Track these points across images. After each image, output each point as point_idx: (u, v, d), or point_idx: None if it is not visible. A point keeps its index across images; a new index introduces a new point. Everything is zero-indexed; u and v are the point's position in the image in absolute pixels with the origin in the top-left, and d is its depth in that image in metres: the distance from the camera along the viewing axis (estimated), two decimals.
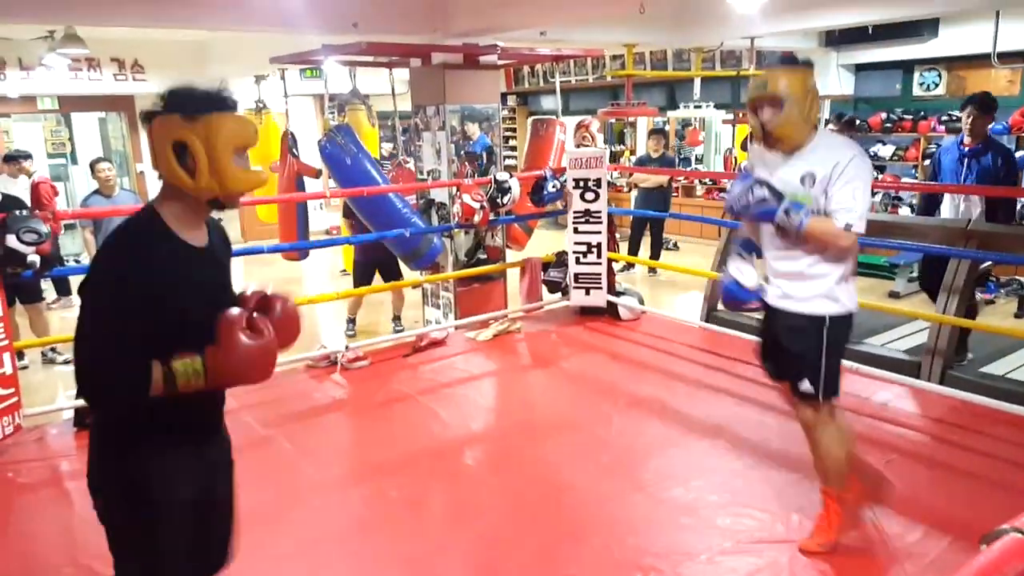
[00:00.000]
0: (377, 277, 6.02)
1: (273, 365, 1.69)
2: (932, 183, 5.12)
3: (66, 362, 5.72)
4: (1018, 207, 6.31)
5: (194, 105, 1.63)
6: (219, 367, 1.57)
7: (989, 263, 4.60)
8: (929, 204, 5.11)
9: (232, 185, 1.64)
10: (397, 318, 6.27)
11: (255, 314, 1.63)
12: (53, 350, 5.73)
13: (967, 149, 4.63)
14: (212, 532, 1.83)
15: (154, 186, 9.08)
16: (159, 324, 1.55)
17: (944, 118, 8.25)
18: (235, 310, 1.60)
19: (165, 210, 1.64)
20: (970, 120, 4.57)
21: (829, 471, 2.66)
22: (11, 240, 3.56)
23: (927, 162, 7.40)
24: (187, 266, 1.62)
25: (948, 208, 4.82)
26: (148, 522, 1.66)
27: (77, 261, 9.27)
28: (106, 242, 1.61)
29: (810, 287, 2.50)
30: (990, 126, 4.71)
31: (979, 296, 6.55)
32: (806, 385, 2.58)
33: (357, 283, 5.97)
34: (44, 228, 3.68)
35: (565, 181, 5.50)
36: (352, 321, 6.15)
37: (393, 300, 6.28)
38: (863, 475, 2.74)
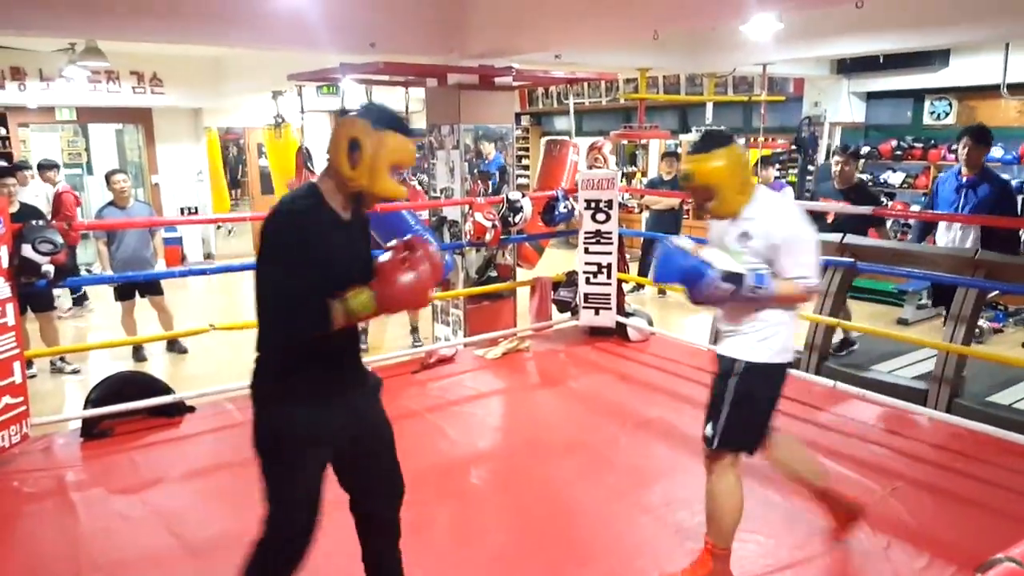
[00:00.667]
0: None
1: (427, 294, 2.00)
2: (932, 211, 5.16)
3: (74, 371, 5.76)
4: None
5: (383, 120, 1.96)
6: (385, 296, 1.90)
7: (996, 292, 4.60)
8: (923, 231, 5.17)
9: (379, 187, 1.96)
10: (415, 330, 6.28)
11: (406, 254, 1.95)
12: (62, 359, 5.77)
13: (964, 179, 4.67)
14: (363, 471, 2.20)
15: (168, 198, 9.32)
16: (316, 273, 1.88)
17: (954, 147, 8.25)
18: (388, 254, 1.96)
19: (323, 186, 1.99)
20: (965, 151, 4.63)
21: (712, 522, 2.60)
22: (26, 250, 3.61)
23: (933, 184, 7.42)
24: (332, 229, 1.95)
25: (943, 236, 4.84)
26: (280, 463, 2.03)
27: (89, 271, 9.36)
28: (276, 209, 1.94)
29: (742, 330, 2.49)
30: (985, 157, 4.75)
31: (986, 325, 6.54)
32: (708, 428, 2.56)
33: None
34: (59, 239, 3.74)
35: (576, 201, 5.54)
36: (364, 332, 6.15)
37: (409, 312, 6.29)
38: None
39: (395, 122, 1.97)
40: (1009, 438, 3.72)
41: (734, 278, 2.30)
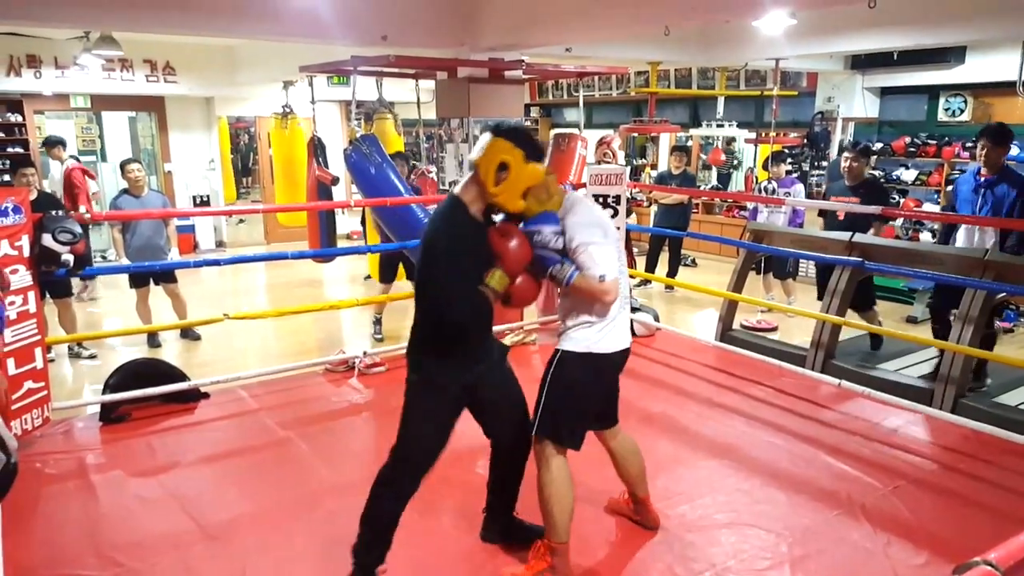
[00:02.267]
0: (400, 272, 6.12)
1: (528, 250, 2.47)
2: (948, 213, 5.14)
3: (91, 356, 5.86)
4: None
5: (535, 153, 2.44)
6: (508, 264, 2.43)
7: (1004, 294, 4.60)
8: (948, 233, 5.14)
9: (510, 206, 2.45)
10: (377, 321, 6.32)
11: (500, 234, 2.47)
12: (79, 345, 5.86)
13: (983, 179, 4.65)
14: (492, 414, 2.73)
15: (180, 186, 9.39)
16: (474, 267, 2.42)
17: (969, 144, 8.23)
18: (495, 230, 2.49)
19: (465, 196, 2.47)
20: (984, 152, 4.60)
21: (543, 515, 2.63)
22: (47, 239, 3.69)
23: (949, 188, 7.39)
24: (472, 231, 2.46)
25: (963, 237, 4.83)
26: (422, 403, 2.56)
27: (104, 258, 9.47)
28: (433, 218, 2.53)
29: (565, 324, 2.61)
30: (1005, 156, 4.71)
31: (998, 325, 6.53)
32: (534, 416, 2.63)
33: (382, 276, 6.12)
34: (78, 228, 3.81)
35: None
36: (378, 321, 6.21)
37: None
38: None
39: (541, 156, 2.45)
40: (1013, 439, 3.76)
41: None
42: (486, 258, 2.44)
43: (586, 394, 2.65)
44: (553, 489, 2.58)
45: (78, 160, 8.44)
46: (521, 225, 2.51)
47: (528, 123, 12.82)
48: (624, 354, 2.68)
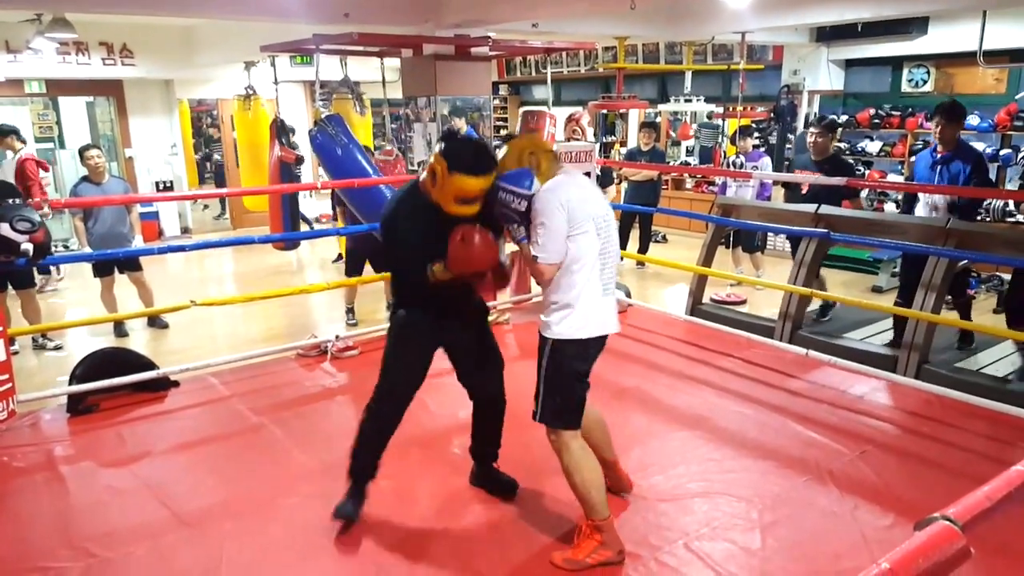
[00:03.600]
0: (368, 268, 6.05)
1: (484, 258, 2.64)
2: (909, 183, 5.24)
3: (56, 348, 5.76)
4: (995, 205, 6.44)
5: (455, 163, 2.57)
6: (450, 261, 2.60)
7: (966, 260, 4.70)
8: (909, 205, 5.27)
9: (447, 208, 2.65)
10: (350, 310, 6.28)
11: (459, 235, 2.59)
12: (44, 336, 5.75)
13: (939, 156, 4.75)
14: (464, 363, 3.04)
15: (142, 172, 9.21)
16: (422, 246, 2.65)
17: (931, 115, 8.35)
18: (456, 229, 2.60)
19: (424, 183, 2.70)
20: (939, 129, 4.69)
21: (579, 500, 2.68)
22: (4, 228, 3.60)
23: (913, 159, 7.50)
24: (425, 213, 2.67)
25: (922, 209, 4.92)
26: (397, 342, 2.91)
27: (66, 247, 9.27)
28: (390, 200, 2.84)
29: (547, 310, 2.62)
30: (959, 132, 4.81)
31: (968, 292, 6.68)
32: (535, 406, 2.68)
33: (349, 272, 6.01)
34: (37, 217, 3.73)
35: None
36: (351, 311, 6.17)
37: (386, 288, 6.31)
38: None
39: (466, 168, 2.57)
40: (975, 402, 3.86)
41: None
42: (438, 239, 2.59)
43: (582, 378, 2.68)
44: (582, 473, 2.63)
45: (34, 151, 8.24)
46: (497, 178, 2.60)
47: (497, 101, 12.74)
48: (604, 337, 2.70)
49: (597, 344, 2.66)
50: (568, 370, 2.63)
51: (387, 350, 2.91)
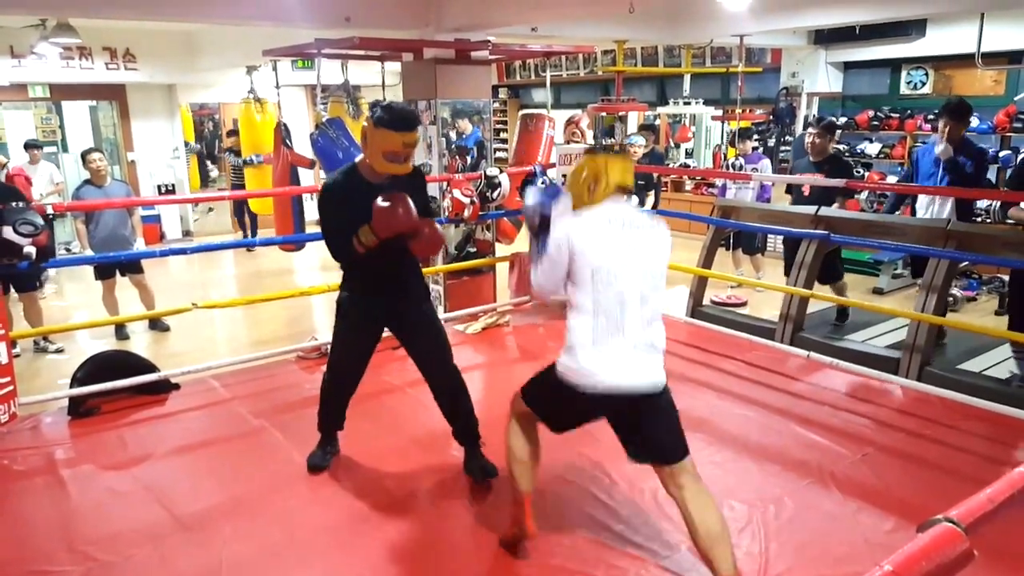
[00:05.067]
0: None
1: (404, 220, 2.87)
2: (908, 184, 5.25)
3: (58, 351, 5.76)
4: (994, 206, 6.45)
5: (379, 121, 2.89)
6: (373, 222, 2.86)
7: (967, 262, 4.71)
8: (896, 202, 5.29)
9: (377, 165, 2.97)
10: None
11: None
12: (46, 339, 5.76)
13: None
14: (411, 342, 3.29)
15: (144, 175, 9.27)
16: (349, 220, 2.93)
17: (931, 117, 8.36)
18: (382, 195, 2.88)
19: (360, 163, 3.06)
20: (946, 129, 4.70)
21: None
22: (7, 232, 3.60)
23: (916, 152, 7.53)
24: (357, 189, 2.98)
25: (923, 208, 4.93)
26: (337, 322, 3.26)
27: (68, 250, 9.29)
28: (326, 180, 3.11)
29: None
30: (965, 131, 4.83)
31: (959, 293, 6.69)
32: None
33: None
34: (40, 220, 3.73)
35: (553, 177, 5.57)
36: None
37: None
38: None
39: (387, 123, 2.87)
40: (977, 404, 3.86)
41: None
42: (368, 215, 2.87)
43: (558, 406, 2.59)
44: (511, 444, 2.69)
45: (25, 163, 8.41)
46: (534, 184, 2.66)
47: (496, 104, 12.75)
48: (608, 397, 2.42)
49: (584, 396, 2.42)
50: (546, 386, 2.56)
51: (333, 330, 3.30)
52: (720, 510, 2.51)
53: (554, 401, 2.59)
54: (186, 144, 11.09)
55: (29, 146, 8.63)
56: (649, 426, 2.49)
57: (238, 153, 9.62)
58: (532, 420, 2.67)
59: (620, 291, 2.37)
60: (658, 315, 2.46)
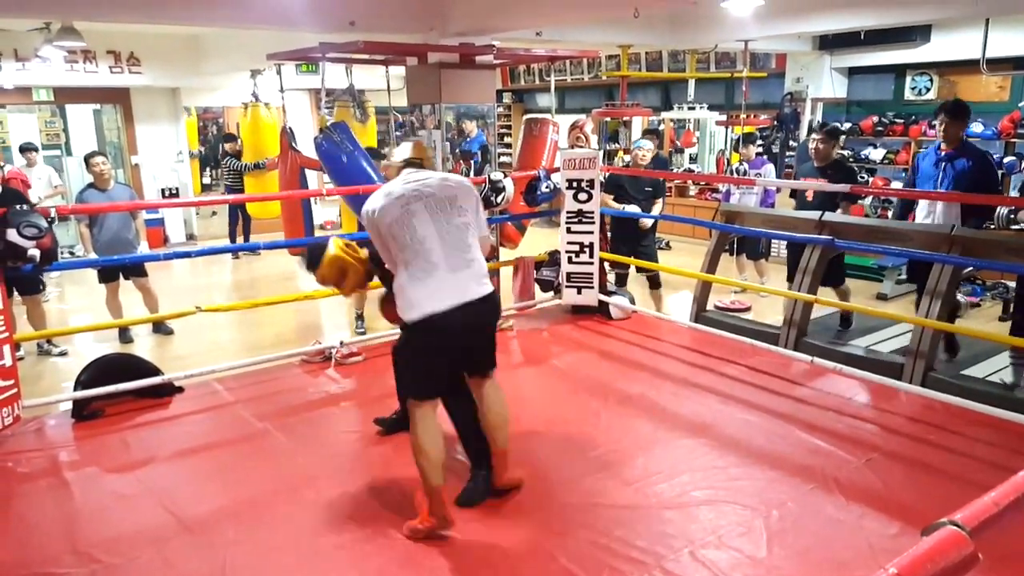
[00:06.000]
0: None
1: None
2: (912, 189, 5.25)
3: (61, 354, 5.77)
4: (1004, 212, 6.43)
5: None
6: None
7: (971, 268, 4.70)
8: (904, 208, 5.27)
9: None
10: (360, 317, 6.28)
11: None
12: (49, 342, 5.77)
13: (943, 154, 4.76)
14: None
15: (148, 179, 9.28)
16: None
17: (934, 123, 8.34)
18: None
19: None
20: (943, 127, 4.71)
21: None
22: (11, 234, 3.61)
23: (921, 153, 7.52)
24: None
25: (924, 210, 4.93)
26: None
27: (72, 254, 9.31)
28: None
29: None
30: (963, 131, 4.84)
31: (964, 299, 6.68)
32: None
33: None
34: (43, 223, 3.74)
35: (558, 182, 5.58)
36: (360, 317, 6.18)
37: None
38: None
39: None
40: (981, 410, 3.84)
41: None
42: None
43: (423, 355, 2.88)
44: (417, 440, 2.84)
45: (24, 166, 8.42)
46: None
47: (500, 109, 12.77)
48: (457, 313, 2.80)
49: (439, 324, 2.79)
50: (406, 348, 3.01)
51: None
52: (506, 406, 3.09)
53: (421, 353, 2.89)
54: (191, 153, 11.08)
55: (25, 149, 8.63)
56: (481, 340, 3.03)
57: (236, 157, 9.63)
58: (427, 412, 2.87)
59: (436, 214, 2.86)
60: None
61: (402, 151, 3.14)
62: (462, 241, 2.88)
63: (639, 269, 6.28)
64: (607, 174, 6.12)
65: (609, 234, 6.05)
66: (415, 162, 3.09)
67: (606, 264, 6.00)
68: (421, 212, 2.85)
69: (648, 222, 5.99)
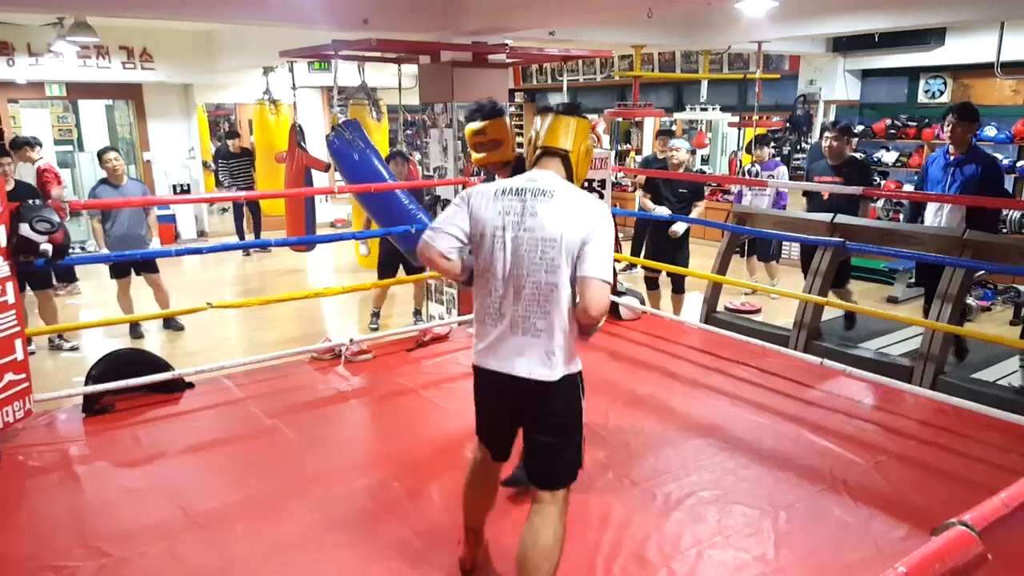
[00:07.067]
0: (400, 271, 6.06)
1: None
2: (924, 192, 5.23)
3: (72, 349, 5.81)
4: (1012, 216, 6.41)
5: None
6: None
7: (982, 271, 4.67)
8: (914, 211, 5.24)
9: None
10: (418, 312, 6.32)
11: None
12: (60, 336, 5.81)
13: (952, 158, 4.73)
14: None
15: (160, 175, 9.35)
16: None
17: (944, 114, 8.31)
18: None
19: None
20: (950, 128, 4.67)
21: None
22: (24, 229, 3.63)
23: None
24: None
25: (931, 214, 4.90)
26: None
27: (83, 249, 9.38)
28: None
29: None
30: (972, 134, 4.80)
31: (975, 303, 6.64)
32: None
33: (382, 275, 6.03)
34: (56, 217, 3.76)
35: None
36: (376, 314, 6.20)
37: (415, 294, 6.35)
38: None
39: (466, 118, 3.21)
40: (991, 413, 3.82)
41: None
42: None
43: (477, 402, 2.48)
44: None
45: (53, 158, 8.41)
46: None
47: (512, 108, 12.78)
48: (496, 379, 2.26)
49: (481, 375, 2.32)
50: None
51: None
52: (549, 558, 2.31)
53: (478, 404, 2.49)
54: (204, 163, 11.08)
55: (19, 145, 7.70)
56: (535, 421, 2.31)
57: (238, 155, 9.65)
58: (477, 449, 2.58)
59: (513, 258, 2.17)
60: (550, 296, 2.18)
61: (543, 127, 2.31)
62: (537, 302, 2.17)
63: (647, 269, 6.27)
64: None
65: (645, 239, 5.99)
66: (559, 152, 2.29)
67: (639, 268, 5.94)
68: (508, 244, 2.18)
69: (679, 230, 5.92)
